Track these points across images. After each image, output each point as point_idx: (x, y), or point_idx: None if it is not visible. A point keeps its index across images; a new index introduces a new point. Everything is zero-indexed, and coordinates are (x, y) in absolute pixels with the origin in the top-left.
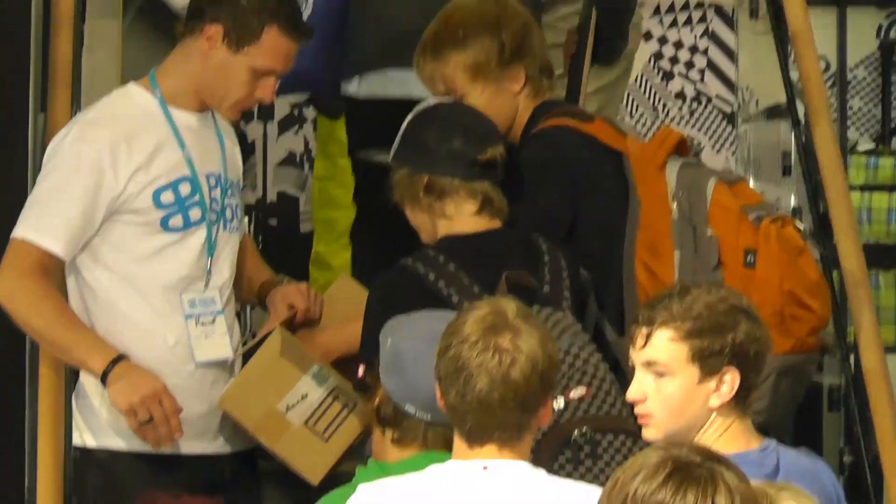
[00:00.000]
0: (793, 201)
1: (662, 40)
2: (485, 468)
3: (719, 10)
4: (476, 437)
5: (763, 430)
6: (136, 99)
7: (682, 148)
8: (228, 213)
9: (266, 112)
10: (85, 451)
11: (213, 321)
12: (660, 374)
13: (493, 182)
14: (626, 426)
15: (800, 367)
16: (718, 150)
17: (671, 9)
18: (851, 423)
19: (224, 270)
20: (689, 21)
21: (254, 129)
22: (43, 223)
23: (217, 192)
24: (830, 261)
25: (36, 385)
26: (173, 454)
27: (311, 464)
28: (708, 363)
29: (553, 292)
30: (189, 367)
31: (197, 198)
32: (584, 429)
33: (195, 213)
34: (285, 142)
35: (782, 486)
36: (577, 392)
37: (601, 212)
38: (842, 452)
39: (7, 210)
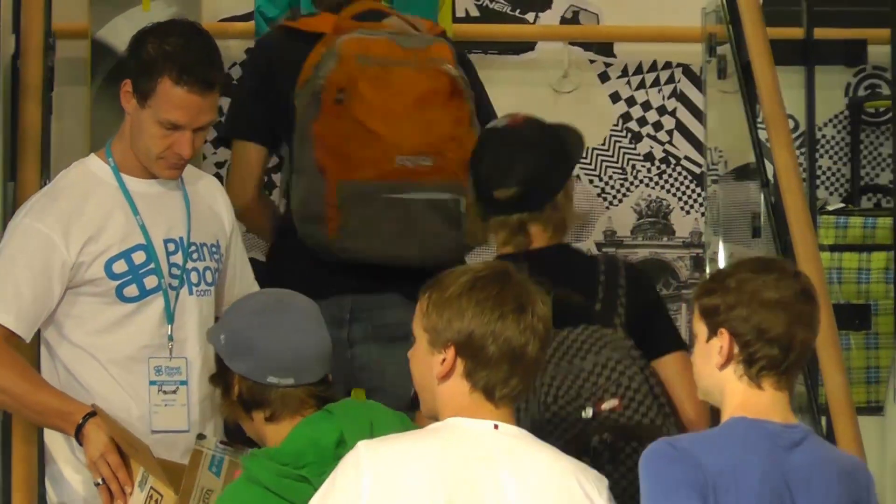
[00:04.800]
0: None
1: (630, 101)
2: (496, 427)
3: (687, 70)
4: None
5: None
6: (92, 169)
7: None
8: (194, 277)
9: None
10: None
11: (176, 391)
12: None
13: (531, 211)
14: (657, 434)
15: None
16: (688, 212)
17: (639, 69)
18: None
19: (192, 337)
20: (657, 81)
21: None
22: None
23: (178, 257)
24: None
25: (9, 455)
26: None
27: None
28: (709, 321)
29: (605, 309)
30: (153, 437)
31: (152, 265)
32: (605, 435)
33: (150, 281)
34: None
35: None
36: (609, 404)
37: None
38: None
39: None
